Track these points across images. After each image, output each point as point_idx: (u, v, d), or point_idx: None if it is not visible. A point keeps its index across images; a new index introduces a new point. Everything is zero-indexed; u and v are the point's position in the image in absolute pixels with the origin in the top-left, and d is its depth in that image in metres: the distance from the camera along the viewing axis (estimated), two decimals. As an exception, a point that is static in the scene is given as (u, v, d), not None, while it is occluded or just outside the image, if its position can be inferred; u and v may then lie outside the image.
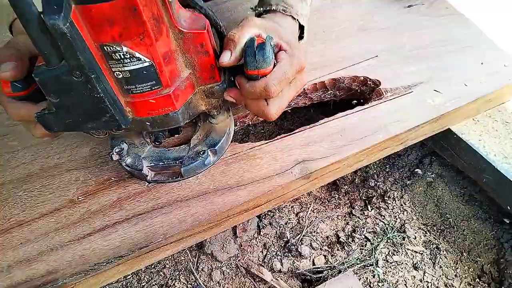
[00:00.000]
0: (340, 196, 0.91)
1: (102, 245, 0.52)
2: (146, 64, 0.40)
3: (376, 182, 0.91)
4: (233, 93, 0.50)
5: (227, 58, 0.46)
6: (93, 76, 0.39)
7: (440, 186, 0.90)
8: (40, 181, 0.60)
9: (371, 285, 0.79)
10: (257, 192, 0.55)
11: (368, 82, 0.68)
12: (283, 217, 0.88)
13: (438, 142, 0.88)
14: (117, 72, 0.41)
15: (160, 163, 0.56)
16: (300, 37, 0.62)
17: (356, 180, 0.93)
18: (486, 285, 0.76)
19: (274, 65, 0.46)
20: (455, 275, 0.78)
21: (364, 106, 0.64)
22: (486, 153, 0.76)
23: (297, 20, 0.57)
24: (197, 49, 0.44)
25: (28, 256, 0.52)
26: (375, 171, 0.94)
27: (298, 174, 0.57)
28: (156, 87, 0.43)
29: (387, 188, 0.91)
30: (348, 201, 0.90)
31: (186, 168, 0.55)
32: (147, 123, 0.47)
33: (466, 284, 0.77)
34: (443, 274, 0.78)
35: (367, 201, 0.89)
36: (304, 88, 0.68)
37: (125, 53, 0.39)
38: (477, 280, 0.77)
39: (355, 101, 0.74)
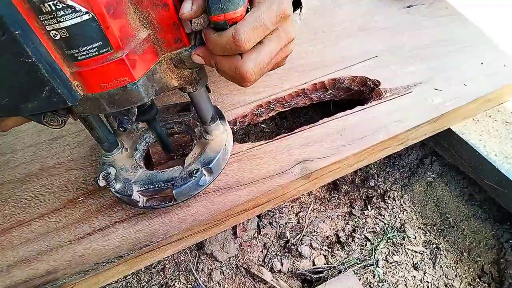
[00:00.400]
0: (340, 196, 0.91)
1: (102, 245, 0.52)
2: (86, 16, 0.33)
3: (376, 182, 0.91)
4: (200, 51, 0.40)
5: (188, 7, 0.36)
6: (17, 32, 0.31)
7: (440, 186, 0.90)
8: (40, 181, 0.60)
9: (371, 285, 0.79)
10: (257, 192, 0.55)
11: (368, 82, 0.68)
12: (283, 217, 0.88)
13: (438, 142, 0.88)
14: (53, 32, 0.34)
15: (151, 187, 0.51)
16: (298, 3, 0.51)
17: (356, 180, 0.93)
18: (486, 285, 0.76)
19: (248, 11, 0.37)
20: (455, 275, 0.78)
21: (364, 106, 0.64)
22: (486, 153, 0.76)
23: None
24: (153, 0, 0.36)
25: (28, 256, 0.52)
26: (375, 171, 0.94)
27: (298, 174, 0.57)
28: (104, 50, 0.36)
29: (387, 188, 0.91)
30: (348, 201, 0.90)
31: (179, 190, 0.50)
32: (102, 100, 0.39)
33: (466, 284, 0.77)
34: (443, 274, 0.78)
35: (367, 201, 0.89)
36: (304, 88, 0.68)
37: (55, 2, 0.32)
38: (477, 280, 0.77)
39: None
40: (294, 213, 0.89)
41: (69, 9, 0.32)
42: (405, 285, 0.78)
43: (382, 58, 0.70)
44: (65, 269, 0.50)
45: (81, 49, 0.35)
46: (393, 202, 0.88)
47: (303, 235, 0.85)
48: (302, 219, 0.88)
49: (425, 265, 0.80)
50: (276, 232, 0.87)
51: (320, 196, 0.92)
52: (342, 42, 0.74)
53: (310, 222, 0.87)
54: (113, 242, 0.52)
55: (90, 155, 0.62)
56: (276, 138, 0.62)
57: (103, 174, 0.49)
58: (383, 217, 0.87)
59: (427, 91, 0.65)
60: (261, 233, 0.86)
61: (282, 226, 0.87)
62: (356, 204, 0.89)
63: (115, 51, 0.36)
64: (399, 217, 0.87)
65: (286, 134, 0.62)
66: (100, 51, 0.35)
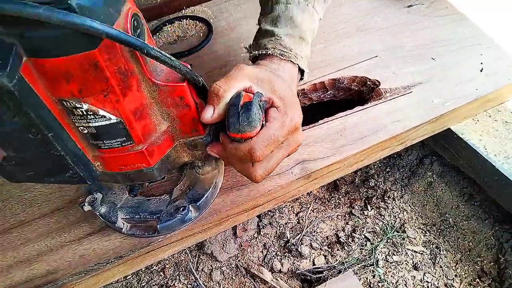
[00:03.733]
0: (340, 196, 0.91)
1: (102, 245, 0.52)
2: (113, 121, 0.36)
3: (376, 182, 0.91)
4: (217, 150, 0.45)
5: (209, 115, 0.40)
6: (50, 134, 0.34)
7: (440, 186, 0.90)
8: (40, 181, 0.60)
9: (371, 285, 0.79)
10: (257, 192, 0.55)
11: (368, 82, 0.68)
12: (283, 217, 0.88)
13: (438, 142, 0.88)
14: (81, 128, 0.37)
15: (136, 216, 0.51)
16: (301, 78, 0.56)
17: (356, 180, 0.93)
18: (486, 285, 0.76)
19: (263, 126, 0.40)
20: (455, 275, 0.78)
21: (364, 106, 0.64)
22: (486, 153, 0.76)
23: (297, 64, 0.51)
24: (176, 102, 0.39)
25: (28, 256, 0.52)
26: (375, 171, 0.94)
27: (298, 174, 0.57)
28: (126, 144, 0.39)
29: (387, 188, 0.91)
30: (348, 201, 0.90)
31: (163, 225, 0.50)
32: (118, 176, 0.42)
33: (466, 284, 0.77)
34: (443, 274, 0.78)
35: (367, 201, 0.90)
36: (304, 88, 0.68)
37: (86, 110, 0.34)
38: (477, 280, 0.77)
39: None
40: (294, 213, 0.89)
41: (98, 115, 0.35)
42: (405, 285, 0.78)
43: (382, 58, 0.70)
44: (65, 269, 0.50)
45: (105, 142, 0.38)
46: (393, 202, 0.89)
47: (303, 235, 0.85)
48: (302, 219, 0.88)
49: (425, 265, 0.80)
50: (276, 232, 0.87)
51: (320, 196, 0.92)
52: (342, 42, 0.74)
53: (310, 222, 0.87)
54: (113, 242, 0.52)
55: (90, 155, 0.62)
56: (276, 138, 0.61)
57: (89, 199, 0.49)
58: (383, 217, 0.87)
59: (427, 91, 0.65)
60: (261, 233, 0.86)
61: (282, 226, 0.87)
62: (356, 204, 0.89)
63: (136, 145, 0.39)
64: (399, 217, 0.87)
65: (286, 134, 0.62)
66: (123, 144, 0.39)
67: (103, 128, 0.36)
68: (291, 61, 0.50)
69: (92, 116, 0.35)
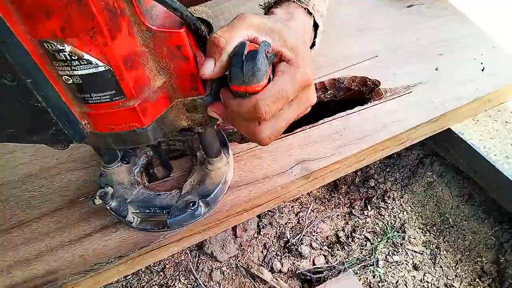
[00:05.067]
0: (340, 196, 0.91)
1: (102, 245, 0.52)
2: (101, 68, 0.32)
3: (376, 182, 0.91)
4: (218, 109, 0.40)
5: (210, 68, 0.36)
6: (29, 80, 0.30)
7: (440, 186, 0.90)
8: (40, 181, 0.60)
9: (371, 285, 0.79)
10: (257, 192, 0.55)
11: (368, 82, 0.68)
12: (283, 217, 0.88)
13: (438, 142, 0.88)
14: (65, 77, 0.32)
15: (147, 211, 0.51)
16: (313, 40, 0.51)
17: (356, 180, 0.93)
18: (487, 285, 0.76)
19: (270, 80, 0.36)
20: (455, 275, 0.78)
21: (364, 106, 0.64)
22: (486, 153, 0.76)
23: (313, 16, 0.46)
24: (173, 52, 0.35)
25: (28, 256, 0.52)
26: (375, 171, 0.94)
27: (298, 174, 0.57)
28: (116, 98, 0.34)
29: (387, 188, 0.91)
30: (348, 201, 0.90)
31: (173, 220, 0.50)
32: (109, 138, 0.38)
33: (466, 284, 0.77)
34: (443, 274, 0.78)
35: (367, 201, 0.89)
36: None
37: (70, 54, 0.30)
38: (477, 280, 0.77)
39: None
40: (294, 213, 0.89)
41: (84, 60, 0.31)
42: (405, 285, 0.78)
43: (382, 58, 0.70)
44: (65, 269, 0.50)
45: (93, 95, 0.34)
46: (393, 202, 0.89)
47: (303, 235, 0.85)
48: (302, 219, 0.88)
49: (425, 265, 0.80)
50: (276, 232, 0.87)
51: (320, 196, 0.92)
52: (342, 42, 0.74)
53: (310, 222, 0.87)
54: (113, 242, 0.52)
55: (91, 155, 0.62)
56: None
57: (100, 193, 0.49)
58: (383, 217, 0.87)
59: (427, 91, 0.65)
60: (261, 233, 0.86)
61: (282, 226, 0.87)
62: (356, 204, 0.89)
63: (127, 100, 0.35)
64: (399, 217, 0.87)
65: (286, 134, 0.62)
66: (113, 99, 0.34)
67: (90, 78, 0.32)
68: (307, 9, 0.45)
69: (76, 62, 0.31)
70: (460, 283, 0.77)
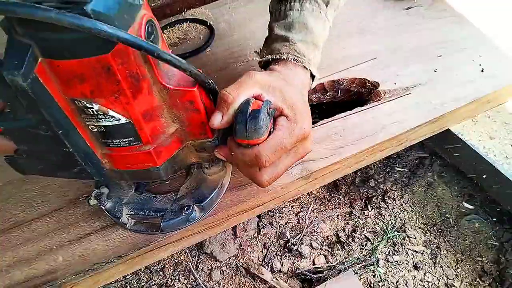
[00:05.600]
0: (340, 196, 0.91)
1: (101, 245, 0.52)
2: (123, 121, 0.37)
3: (376, 182, 0.91)
4: (224, 153, 0.45)
5: (218, 121, 0.41)
6: (60, 132, 0.36)
7: (440, 186, 0.90)
8: (40, 181, 0.60)
9: (371, 285, 0.79)
10: (257, 192, 0.55)
11: (367, 83, 0.68)
12: (283, 217, 0.88)
13: (438, 142, 0.88)
14: (91, 126, 0.38)
15: (141, 213, 0.52)
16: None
17: (356, 180, 0.93)
18: (487, 284, 0.76)
19: (271, 133, 0.41)
20: (456, 275, 0.78)
21: (363, 107, 0.64)
22: (486, 153, 0.76)
23: (309, 70, 0.50)
24: (186, 106, 0.40)
25: (28, 256, 0.52)
26: (375, 171, 0.94)
27: (298, 174, 0.57)
28: (135, 143, 0.39)
29: (387, 188, 0.91)
30: (348, 201, 0.90)
31: (167, 223, 0.51)
32: (125, 174, 0.43)
33: (467, 283, 0.77)
34: (443, 274, 0.78)
35: (367, 201, 0.90)
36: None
37: (97, 110, 0.35)
38: (478, 279, 0.77)
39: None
40: (294, 213, 0.89)
41: (108, 115, 0.36)
42: (406, 284, 0.78)
43: (382, 60, 0.70)
44: (65, 269, 0.51)
45: (114, 140, 0.39)
46: (393, 202, 0.89)
47: (303, 235, 0.85)
48: (302, 219, 0.88)
49: (425, 264, 0.80)
50: (276, 232, 0.87)
51: (320, 196, 0.92)
52: (341, 44, 0.74)
53: (310, 222, 0.87)
54: (112, 242, 0.53)
55: (90, 155, 0.63)
56: (275, 138, 0.61)
57: (95, 193, 0.50)
58: (383, 217, 0.87)
59: (426, 92, 0.65)
60: (261, 233, 0.86)
61: (282, 226, 0.87)
62: (356, 204, 0.89)
63: (144, 145, 0.40)
64: (399, 217, 0.87)
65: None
66: (131, 144, 0.39)
67: (113, 128, 0.37)
68: (304, 66, 0.50)
69: (102, 116, 0.36)
70: (461, 283, 0.77)
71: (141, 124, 0.38)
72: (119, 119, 0.36)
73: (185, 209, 0.51)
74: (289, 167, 0.45)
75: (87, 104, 0.35)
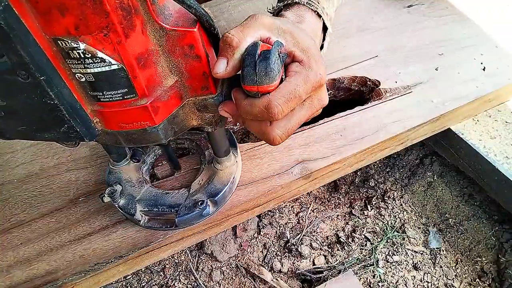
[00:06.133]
0: (340, 196, 0.91)
1: (102, 245, 0.52)
2: (114, 67, 0.32)
3: (376, 182, 0.91)
4: (229, 108, 0.40)
5: (222, 68, 0.36)
6: (42, 78, 0.30)
7: (440, 186, 0.90)
8: (40, 181, 0.60)
9: (371, 285, 0.79)
10: (257, 192, 0.55)
11: (368, 82, 0.68)
12: (283, 217, 0.88)
13: (438, 142, 0.87)
14: (78, 75, 0.33)
15: (155, 209, 0.51)
16: (321, 46, 0.51)
17: (356, 180, 0.93)
18: (487, 285, 0.76)
19: (282, 80, 0.36)
20: (455, 275, 0.78)
21: (364, 106, 0.64)
22: (486, 153, 0.76)
23: (322, 18, 0.46)
24: (185, 51, 0.35)
25: (28, 256, 0.52)
26: (375, 171, 0.94)
27: (298, 174, 0.57)
28: (128, 96, 0.35)
29: (387, 188, 0.90)
30: (348, 201, 0.90)
31: (181, 218, 0.50)
32: (119, 136, 0.39)
33: (466, 284, 0.77)
34: (443, 274, 0.78)
35: (367, 201, 0.89)
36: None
37: (83, 52, 0.31)
38: (477, 280, 0.77)
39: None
40: (294, 213, 0.89)
41: (97, 58, 0.31)
42: (405, 285, 0.78)
43: (382, 58, 0.70)
44: (65, 269, 0.51)
45: (105, 93, 0.34)
46: (393, 202, 0.89)
47: (303, 235, 0.85)
48: (302, 219, 0.88)
49: (425, 265, 0.80)
50: (276, 232, 0.87)
51: (320, 196, 0.92)
52: (342, 42, 0.74)
53: (310, 222, 0.87)
54: (113, 242, 0.52)
55: (90, 155, 0.62)
56: (276, 138, 0.61)
57: (109, 191, 0.50)
58: (383, 217, 0.87)
59: (427, 91, 0.65)
60: (261, 233, 0.86)
61: (282, 226, 0.87)
62: (356, 204, 0.89)
63: (139, 98, 0.35)
64: (399, 217, 0.87)
65: (286, 134, 0.62)
66: (125, 97, 0.35)
67: (103, 76, 0.33)
68: (317, 12, 0.45)
69: (90, 60, 0.31)
70: (460, 283, 0.77)
71: (135, 70, 0.33)
72: (110, 64, 0.32)
73: (199, 203, 0.51)
74: (303, 121, 0.39)
75: (73, 44, 0.30)
